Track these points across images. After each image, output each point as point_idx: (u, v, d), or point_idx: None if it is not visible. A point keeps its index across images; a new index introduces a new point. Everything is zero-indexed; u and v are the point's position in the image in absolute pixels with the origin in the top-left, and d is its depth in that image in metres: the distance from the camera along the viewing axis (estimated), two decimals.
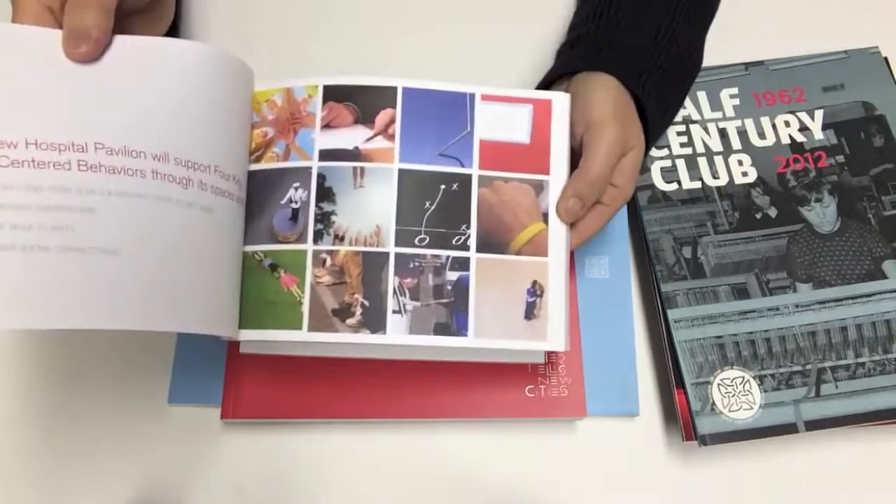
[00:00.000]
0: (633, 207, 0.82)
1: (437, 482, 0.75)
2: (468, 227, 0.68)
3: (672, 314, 0.75)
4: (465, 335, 0.66)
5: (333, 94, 0.69)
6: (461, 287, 0.67)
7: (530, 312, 0.67)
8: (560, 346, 0.67)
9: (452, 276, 0.67)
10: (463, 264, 0.67)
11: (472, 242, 0.68)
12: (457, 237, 0.68)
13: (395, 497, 0.74)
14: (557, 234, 0.69)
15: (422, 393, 0.74)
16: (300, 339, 0.65)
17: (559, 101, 0.70)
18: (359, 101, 0.69)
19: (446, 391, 0.74)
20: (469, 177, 0.69)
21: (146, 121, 0.59)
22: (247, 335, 0.66)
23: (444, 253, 0.67)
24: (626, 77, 0.73)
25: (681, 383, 0.73)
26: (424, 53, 0.91)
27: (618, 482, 0.75)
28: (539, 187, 0.69)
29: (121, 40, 0.60)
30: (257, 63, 0.69)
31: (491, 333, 0.67)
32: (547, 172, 0.69)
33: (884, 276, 0.76)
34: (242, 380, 0.74)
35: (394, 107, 0.69)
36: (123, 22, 0.65)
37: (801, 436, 0.71)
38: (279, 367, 0.74)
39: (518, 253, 0.68)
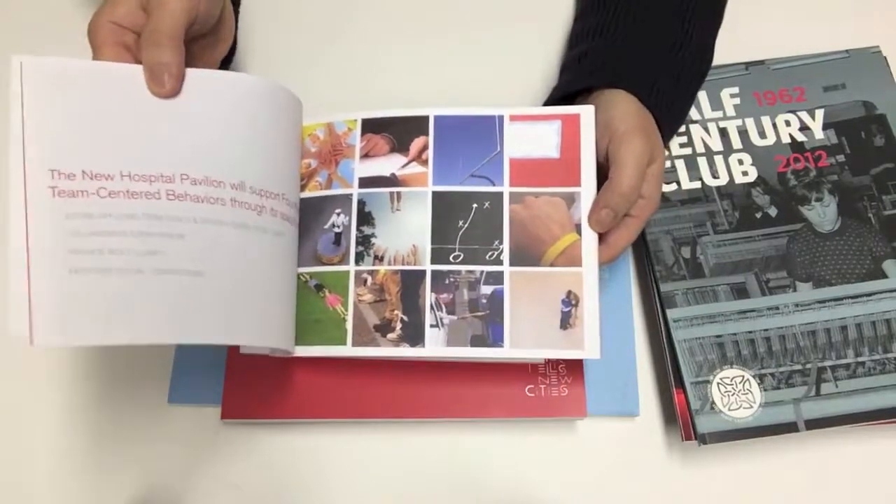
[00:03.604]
0: None
1: (437, 482, 0.75)
2: (500, 243, 0.72)
3: (671, 314, 0.76)
4: (501, 346, 0.69)
5: (371, 126, 0.77)
6: (496, 300, 0.71)
7: (566, 322, 0.69)
8: (596, 353, 0.69)
9: (487, 289, 0.71)
10: (497, 278, 0.71)
11: (505, 257, 0.72)
12: (490, 252, 0.72)
13: (394, 497, 0.75)
14: (590, 245, 0.71)
15: (422, 393, 0.75)
16: (345, 354, 0.71)
17: (586, 113, 0.73)
18: (394, 131, 0.76)
19: (446, 391, 0.75)
20: (500, 194, 0.73)
21: (222, 152, 0.64)
22: (297, 351, 0.71)
23: (478, 268, 0.72)
24: (641, 93, 0.74)
25: (680, 383, 0.74)
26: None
27: (618, 482, 0.75)
28: (570, 199, 0.72)
29: (192, 73, 0.64)
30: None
31: (527, 343, 0.70)
32: (578, 184, 0.72)
33: (884, 276, 0.76)
34: (242, 380, 0.75)
35: (426, 134, 0.75)
36: (188, 47, 0.67)
37: (800, 435, 0.71)
38: (279, 368, 0.75)
39: (552, 265, 0.71)
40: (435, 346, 0.70)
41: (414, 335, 0.71)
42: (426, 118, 0.76)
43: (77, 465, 0.76)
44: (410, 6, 0.96)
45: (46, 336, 0.56)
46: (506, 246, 0.72)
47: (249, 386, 0.75)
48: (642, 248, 0.81)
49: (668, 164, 0.83)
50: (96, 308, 0.56)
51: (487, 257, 0.72)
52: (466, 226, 0.73)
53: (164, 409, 0.78)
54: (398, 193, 0.74)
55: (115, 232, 0.58)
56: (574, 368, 0.75)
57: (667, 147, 0.80)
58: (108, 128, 0.61)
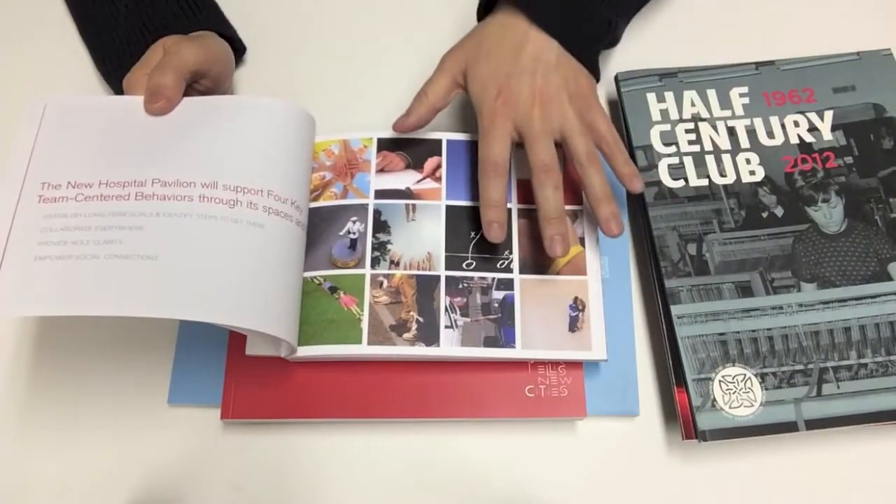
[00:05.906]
0: (639, 204, 0.84)
1: (437, 482, 0.76)
2: (510, 253, 0.78)
3: (675, 310, 0.77)
4: (513, 347, 0.74)
5: (386, 144, 0.84)
6: (507, 304, 0.76)
7: (574, 325, 0.75)
8: (603, 355, 0.74)
9: (498, 294, 0.77)
10: (507, 284, 0.77)
11: (515, 265, 0.78)
12: (500, 261, 0.78)
13: (394, 497, 0.76)
14: (592, 255, 0.78)
15: (422, 393, 0.76)
16: (360, 352, 0.73)
17: None
18: (409, 150, 0.83)
19: (446, 391, 0.76)
20: (509, 210, 0.78)
21: (200, 159, 0.72)
22: (306, 351, 0.74)
23: (489, 275, 0.77)
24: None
25: (681, 381, 0.74)
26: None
27: (618, 482, 0.76)
28: (574, 216, 0.78)
29: (186, 100, 0.76)
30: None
31: (537, 345, 0.75)
32: (580, 203, 0.79)
33: (889, 278, 0.78)
34: (242, 380, 0.76)
35: (440, 155, 0.83)
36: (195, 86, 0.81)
37: (801, 434, 0.72)
38: (279, 368, 0.76)
39: (559, 273, 0.76)
40: (450, 346, 0.74)
41: (429, 335, 0.74)
42: (439, 141, 0.83)
43: (77, 465, 0.77)
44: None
45: (3, 307, 0.67)
46: (515, 256, 0.78)
47: (249, 386, 0.76)
48: (646, 246, 0.83)
49: (676, 160, 0.85)
50: (50, 287, 0.65)
51: (498, 266, 0.77)
52: (478, 237, 0.78)
53: (164, 409, 0.79)
54: (413, 205, 0.80)
55: (81, 227, 0.68)
56: (574, 369, 0.77)
57: (583, 57, 0.81)
58: (100, 147, 0.73)
